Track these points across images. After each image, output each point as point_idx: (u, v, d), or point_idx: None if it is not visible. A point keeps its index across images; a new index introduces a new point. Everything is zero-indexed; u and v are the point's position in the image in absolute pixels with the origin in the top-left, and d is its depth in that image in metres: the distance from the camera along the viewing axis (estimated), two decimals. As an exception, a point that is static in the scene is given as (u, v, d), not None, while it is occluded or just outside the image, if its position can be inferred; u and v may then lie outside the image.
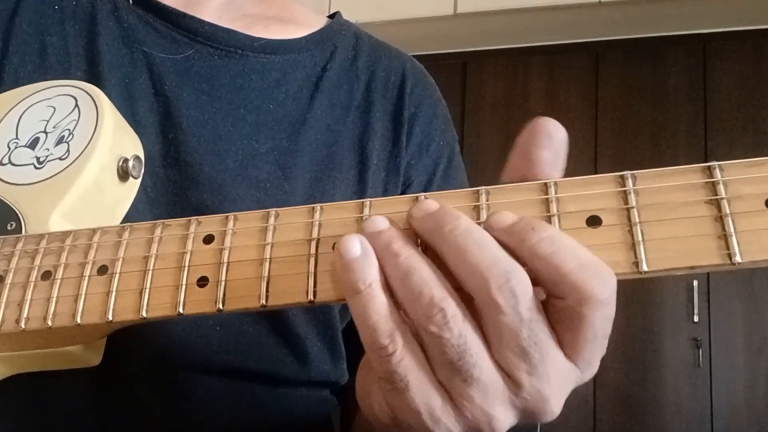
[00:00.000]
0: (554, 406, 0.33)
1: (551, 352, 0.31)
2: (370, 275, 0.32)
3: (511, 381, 0.32)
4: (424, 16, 3.16)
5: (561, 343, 0.32)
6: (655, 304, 2.91)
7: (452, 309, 0.31)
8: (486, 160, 3.25)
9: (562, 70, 3.28)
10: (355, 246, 0.32)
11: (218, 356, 0.52)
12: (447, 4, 3.14)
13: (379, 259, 0.32)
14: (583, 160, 3.12)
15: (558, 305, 0.31)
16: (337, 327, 0.58)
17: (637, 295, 2.88)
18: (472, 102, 3.35)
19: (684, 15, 3.03)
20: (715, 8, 2.96)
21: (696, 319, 2.86)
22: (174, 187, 0.54)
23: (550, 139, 0.35)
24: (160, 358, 0.50)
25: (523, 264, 0.31)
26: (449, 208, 0.33)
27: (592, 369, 0.33)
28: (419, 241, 0.33)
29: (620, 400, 2.91)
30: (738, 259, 0.30)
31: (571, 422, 2.92)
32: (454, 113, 3.46)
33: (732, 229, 0.31)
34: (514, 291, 0.30)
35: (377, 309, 0.32)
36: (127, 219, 0.48)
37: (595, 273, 0.30)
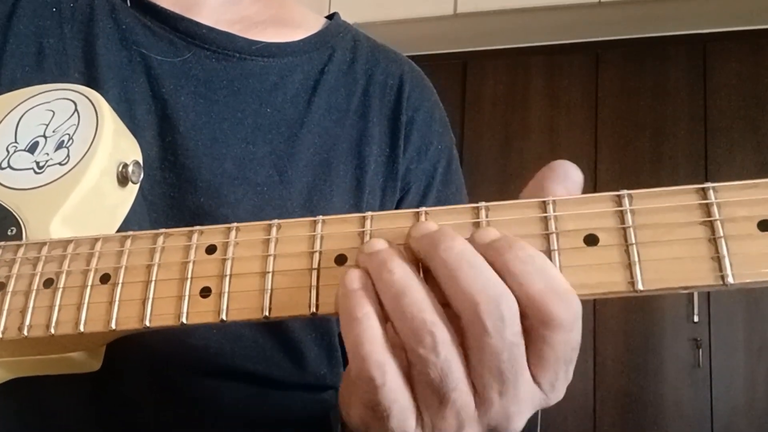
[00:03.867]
0: (517, 425, 0.34)
1: (524, 374, 0.33)
2: (368, 305, 0.33)
3: (482, 401, 0.33)
4: (424, 16, 3.16)
5: (530, 367, 0.33)
6: (655, 305, 2.91)
7: (442, 334, 0.32)
8: (486, 160, 3.25)
9: (562, 70, 3.28)
10: (356, 278, 0.33)
11: (215, 359, 0.52)
12: (447, 4, 3.14)
13: (373, 278, 0.33)
14: (583, 161, 3.12)
15: (524, 324, 0.32)
16: (334, 331, 0.58)
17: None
18: (472, 102, 3.35)
19: (684, 15, 3.03)
20: (715, 8, 2.96)
21: (696, 319, 2.87)
22: (171, 190, 0.54)
23: (566, 178, 0.36)
24: (157, 361, 0.50)
25: None
26: (447, 229, 0.33)
27: (557, 393, 0.34)
28: (420, 264, 0.34)
29: (620, 400, 2.91)
30: (730, 280, 0.31)
31: (571, 422, 2.92)
32: (454, 113, 3.45)
33: (725, 251, 0.31)
34: (503, 316, 0.31)
35: (371, 338, 0.32)
36: (124, 222, 0.48)
37: (560, 297, 0.31)
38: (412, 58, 0.70)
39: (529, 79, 3.33)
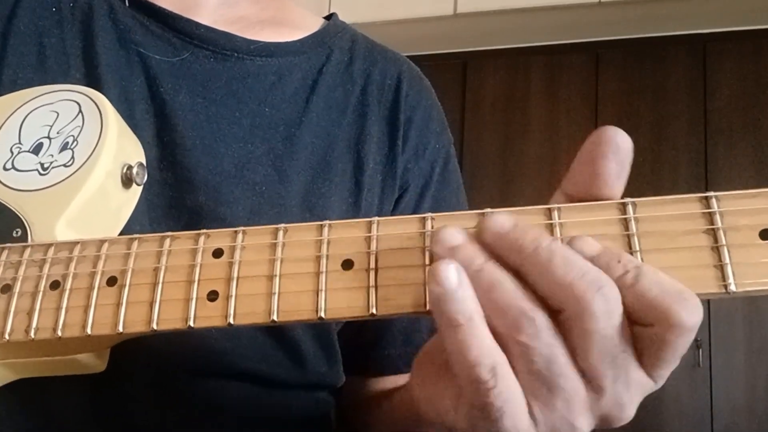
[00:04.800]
0: (629, 412, 0.34)
1: (633, 362, 0.32)
2: (471, 307, 0.31)
3: (594, 389, 0.33)
4: (424, 16, 3.15)
5: (641, 362, 0.33)
6: (655, 304, 2.91)
7: (541, 318, 0.31)
8: (486, 160, 3.25)
9: (562, 70, 3.28)
10: (452, 275, 0.31)
11: (216, 358, 0.52)
12: (447, 4, 3.13)
13: None
14: (583, 160, 3.11)
15: (642, 332, 0.32)
16: (332, 329, 0.59)
17: (637, 295, 2.88)
18: (472, 102, 3.35)
19: (684, 15, 3.02)
20: (715, 8, 2.96)
21: (696, 318, 2.86)
22: (170, 189, 0.54)
23: (618, 150, 0.35)
24: (158, 361, 0.50)
25: None
26: (525, 226, 0.32)
27: (663, 379, 0.34)
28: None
29: (620, 400, 2.91)
30: (732, 288, 0.31)
31: (571, 422, 2.92)
32: (454, 113, 3.45)
33: (727, 260, 0.32)
34: (608, 297, 0.31)
35: (479, 343, 0.31)
36: (126, 222, 0.48)
37: (682, 300, 0.31)
38: (412, 58, 0.70)
39: (529, 79, 3.32)
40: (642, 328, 0.32)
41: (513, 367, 0.32)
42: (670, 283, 0.31)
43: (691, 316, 0.30)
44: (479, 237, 0.33)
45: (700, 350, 2.84)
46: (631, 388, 0.33)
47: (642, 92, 3.15)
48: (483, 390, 0.32)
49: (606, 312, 0.31)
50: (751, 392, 2.80)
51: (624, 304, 0.31)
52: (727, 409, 2.80)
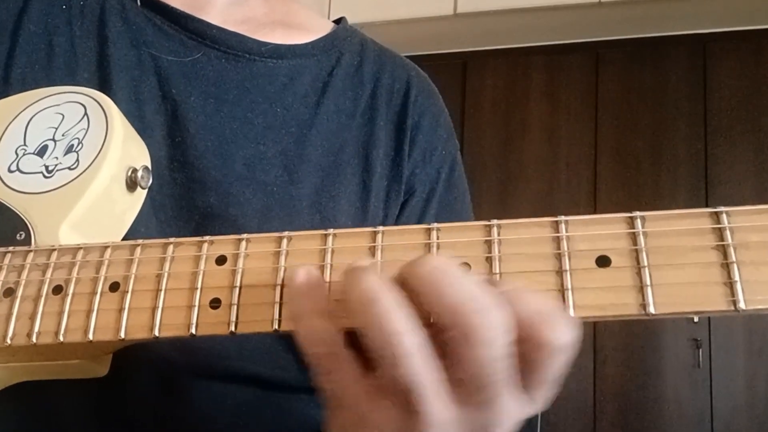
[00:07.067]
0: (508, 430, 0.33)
1: (513, 386, 0.32)
2: (300, 308, 0.34)
3: (466, 406, 0.32)
4: (424, 16, 3.15)
5: (521, 382, 0.32)
6: (655, 304, 2.91)
7: (411, 342, 0.31)
8: (486, 160, 3.25)
9: (562, 70, 3.28)
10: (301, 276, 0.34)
11: (221, 361, 0.52)
12: (447, 4, 3.14)
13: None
14: (583, 161, 3.12)
15: (518, 349, 0.31)
16: None
17: (637, 295, 2.88)
18: (472, 102, 3.35)
19: (684, 15, 3.03)
20: (715, 8, 2.96)
21: (696, 319, 2.87)
22: (180, 190, 0.54)
23: None
24: (163, 363, 0.50)
25: None
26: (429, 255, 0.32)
27: (543, 400, 0.34)
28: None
29: (620, 400, 2.91)
30: (742, 306, 0.31)
31: (571, 422, 2.92)
32: (454, 113, 3.46)
33: (737, 277, 0.31)
34: (495, 325, 0.30)
35: (306, 333, 0.35)
36: (132, 224, 0.48)
37: (551, 321, 0.30)
38: (412, 58, 0.70)
39: (529, 79, 3.33)
40: (522, 347, 0.31)
41: (382, 387, 0.33)
42: (542, 303, 0.31)
43: (559, 336, 0.30)
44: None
45: (700, 350, 2.84)
46: (504, 413, 0.32)
47: (642, 92, 3.16)
48: (320, 378, 0.36)
49: (491, 339, 0.30)
50: (751, 392, 2.80)
51: None
52: (727, 409, 2.81)
